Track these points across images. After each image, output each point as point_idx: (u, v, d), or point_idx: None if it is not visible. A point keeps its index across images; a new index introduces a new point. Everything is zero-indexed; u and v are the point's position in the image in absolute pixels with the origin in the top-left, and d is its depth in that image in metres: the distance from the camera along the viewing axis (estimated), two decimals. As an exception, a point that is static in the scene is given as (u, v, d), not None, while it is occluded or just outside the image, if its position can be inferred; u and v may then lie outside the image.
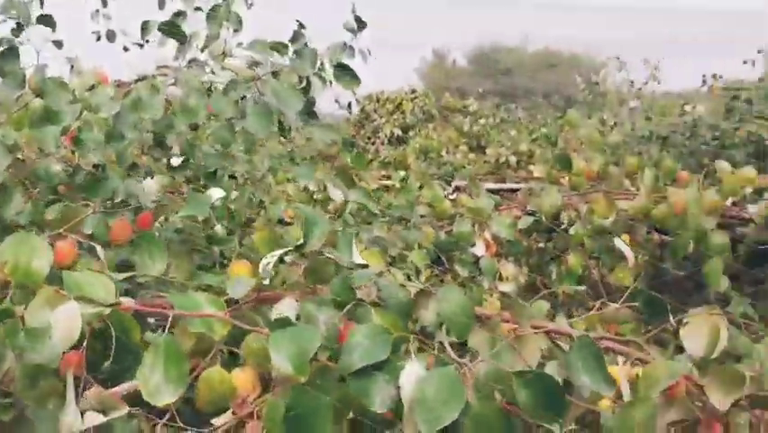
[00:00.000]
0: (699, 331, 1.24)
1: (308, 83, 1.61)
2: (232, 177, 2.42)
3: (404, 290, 1.17)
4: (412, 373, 0.87)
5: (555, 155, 2.72)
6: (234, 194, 2.02)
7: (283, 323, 0.94)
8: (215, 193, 1.33)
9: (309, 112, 1.98)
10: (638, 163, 2.96)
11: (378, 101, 9.14)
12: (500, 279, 2.62)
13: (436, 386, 0.88)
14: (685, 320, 1.33)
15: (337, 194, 1.49)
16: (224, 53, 1.87)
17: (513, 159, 5.30)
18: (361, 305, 1.10)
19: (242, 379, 1.09)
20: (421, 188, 4.15)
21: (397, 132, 8.68)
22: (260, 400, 1.06)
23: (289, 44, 1.59)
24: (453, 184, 5.05)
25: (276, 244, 1.39)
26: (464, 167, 5.66)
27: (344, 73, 1.62)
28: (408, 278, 2.33)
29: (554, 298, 2.60)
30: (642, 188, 2.71)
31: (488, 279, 2.49)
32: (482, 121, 8.16)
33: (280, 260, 1.16)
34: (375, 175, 5.68)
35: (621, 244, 2.52)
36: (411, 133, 8.65)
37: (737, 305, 2.32)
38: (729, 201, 2.81)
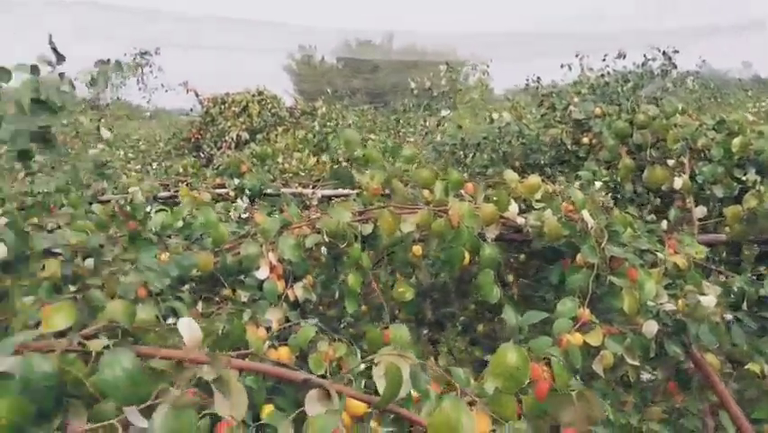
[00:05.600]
0: (381, 373, 1.24)
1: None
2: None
3: (49, 361, 1.07)
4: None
5: (337, 171, 2.69)
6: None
7: None
8: None
9: (44, 140, 1.85)
10: (430, 176, 3.02)
11: (223, 103, 8.87)
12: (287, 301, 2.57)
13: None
14: (376, 360, 1.32)
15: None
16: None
17: (345, 165, 5.29)
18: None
19: None
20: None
21: (245, 135, 8.47)
22: None
23: None
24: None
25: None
26: (298, 173, 5.60)
27: (39, 108, 1.49)
28: (174, 312, 2.23)
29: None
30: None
31: (270, 302, 2.43)
32: (330, 124, 8.15)
33: None
34: (211, 183, 5.48)
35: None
36: (259, 137, 8.48)
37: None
38: (516, 209, 2.93)
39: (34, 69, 1.97)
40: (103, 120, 6.62)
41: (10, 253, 1.37)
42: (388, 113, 11.27)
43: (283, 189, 4.58)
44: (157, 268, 2.25)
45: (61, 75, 2.29)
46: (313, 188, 5.46)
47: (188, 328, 1.21)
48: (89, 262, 2.62)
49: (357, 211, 2.83)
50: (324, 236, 2.50)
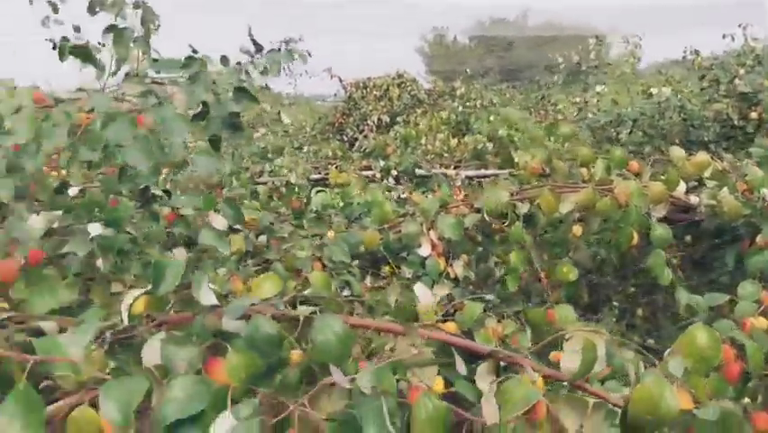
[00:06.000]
0: (576, 349, 1.24)
1: (206, 106, 1.62)
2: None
3: (272, 323, 1.18)
4: (223, 426, 0.89)
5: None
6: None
7: (118, 372, 0.96)
8: (94, 229, 1.35)
9: (234, 126, 2.01)
10: (590, 154, 2.95)
11: (365, 88, 9.10)
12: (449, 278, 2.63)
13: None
14: (567, 335, 1.33)
15: (220, 222, 1.49)
16: (137, 75, 1.88)
17: (489, 146, 5.27)
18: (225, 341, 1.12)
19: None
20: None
21: (385, 118, 8.66)
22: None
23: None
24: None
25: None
26: (442, 155, 5.65)
27: (242, 96, 1.62)
28: (348, 284, 2.35)
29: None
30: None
31: (432, 279, 2.50)
32: (469, 104, 8.12)
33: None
34: (357, 165, 5.67)
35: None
36: (399, 120, 8.62)
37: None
38: (683, 188, 2.79)
39: (224, 60, 2.14)
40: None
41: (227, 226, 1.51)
42: (525, 90, 11.03)
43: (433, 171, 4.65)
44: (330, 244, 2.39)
45: (239, 64, 2.47)
46: (455, 168, 5.49)
47: (423, 293, 1.29)
48: (262, 238, 2.82)
49: (514, 190, 2.83)
50: (485, 215, 2.53)
